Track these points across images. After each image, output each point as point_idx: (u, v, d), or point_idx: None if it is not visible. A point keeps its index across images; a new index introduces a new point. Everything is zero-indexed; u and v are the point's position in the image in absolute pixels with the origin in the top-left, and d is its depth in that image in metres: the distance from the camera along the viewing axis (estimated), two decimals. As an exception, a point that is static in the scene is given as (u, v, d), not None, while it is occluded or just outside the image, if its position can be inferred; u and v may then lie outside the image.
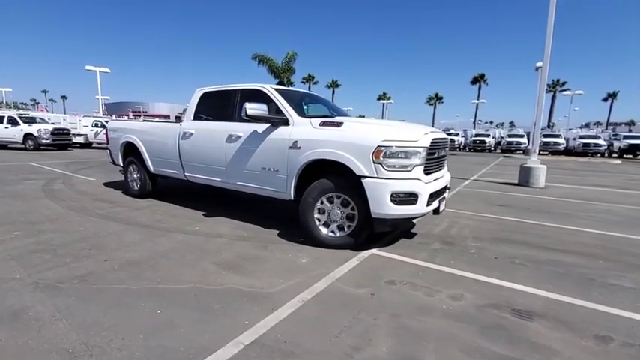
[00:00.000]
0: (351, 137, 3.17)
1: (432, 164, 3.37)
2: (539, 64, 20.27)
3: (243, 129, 3.96)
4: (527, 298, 2.47)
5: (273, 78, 29.43)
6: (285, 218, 4.53)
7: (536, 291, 2.58)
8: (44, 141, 13.99)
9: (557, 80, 49.34)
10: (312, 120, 3.53)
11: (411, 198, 3.06)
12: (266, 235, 3.84)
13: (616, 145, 23.88)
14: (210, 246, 3.42)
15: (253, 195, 4.14)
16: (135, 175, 5.61)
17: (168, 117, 56.09)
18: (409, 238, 3.81)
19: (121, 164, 5.87)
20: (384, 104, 49.24)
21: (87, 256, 3.06)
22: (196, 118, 4.60)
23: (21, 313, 2.11)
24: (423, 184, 3.11)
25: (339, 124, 3.34)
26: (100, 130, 16.07)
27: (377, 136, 3.05)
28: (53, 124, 15.55)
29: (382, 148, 2.99)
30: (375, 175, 3.03)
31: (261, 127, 3.79)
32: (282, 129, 3.63)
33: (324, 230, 3.41)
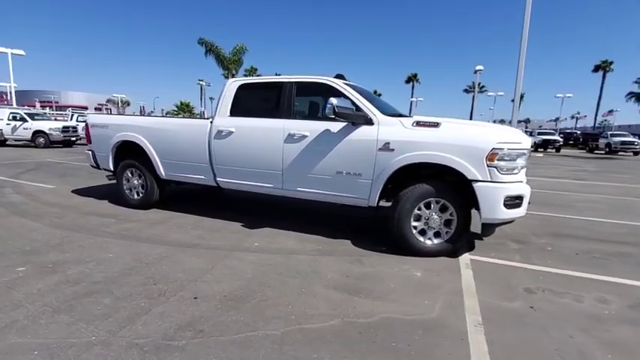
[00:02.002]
0: (459, 139, 2.97)
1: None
2: (478, 67, 22.58)
3: (309, 127, 3.47)
4: (655, 294, 2.59)
5: (221, 69, 27.65)
6: (337, 223, 4.16)
7: (650, 285, 2.73)
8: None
9: (479, 83, 56.00)
10: (403, 119, 3.23)
11: (517, 201, 3.00)
12: (341, 246, 3.45)
13: (531, 139, 27.88)
14: (298, 265, 2.93)
15: (295, 200, 3.70)
16: (135, 182, 4.61)
17: (86, 108, 48.69)
18: (479, 239, 3.78)
19: (111, 168, 4.77)
20: None
21: (162, 294, 2.35)
22: (233, 114, 3.91)
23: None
24: (526, 186, 3.08)
25: (436, 125, 3.11)
26: (19, 123, 13.11)
27: (491, 138, 2.91)
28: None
29: (497, 151, 2.86)
30: (489, 179, 2.89)
31: (335, 126, 3.36)
32: (365, 129, 3.26)
33: (420, 238, 3.17)
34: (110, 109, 54.23)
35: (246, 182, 3.91)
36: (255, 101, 3.93)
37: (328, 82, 3.57)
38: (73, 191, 5.68)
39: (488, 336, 1.97)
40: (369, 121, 3.27)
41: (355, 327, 2.03)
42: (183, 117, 26.63)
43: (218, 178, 4.05)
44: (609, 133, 27.30)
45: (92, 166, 5.07)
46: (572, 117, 78.59)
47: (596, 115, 51.00)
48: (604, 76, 48.97)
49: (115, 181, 5.01)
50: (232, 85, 3.98)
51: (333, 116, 3.09)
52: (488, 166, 2.88)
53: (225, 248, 3.28)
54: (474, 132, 3.02)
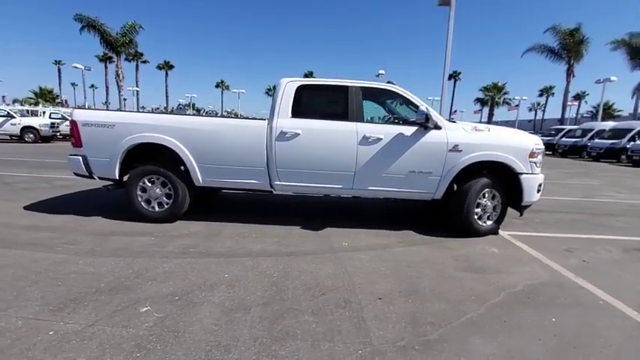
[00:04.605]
0: (510, 141, 3.78)
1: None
2: (381, 71, 25.47)
3: (384, 130, 3.74)
4: (627, 243, 3.95)
5: (108, 50, 23.24)
6: (382, 217, 4.57)
7: (619, 237, 4.12)
8: None
9: (274, 86, 63.17)
10: (462, 124, 3.85)
11: (540, 187, 4.01)
12: (413, 236, 3.87)
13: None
14: (409, 257, 3.23)
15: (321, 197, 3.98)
16: (157, 191, 3.90)
17: None
18: (490, 219, 4.77)
19: (116, 177, 3.90)
20: (222, 91, 48.43)
21: (347, 302, 2.34)
22: (295, 115, 3.80)
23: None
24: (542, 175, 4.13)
25: (488, 130, 3.85)
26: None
27: (530, 140, 3.81)
28: None
29: (534, 150, 3.78)
30: (530, 172, 3.79)
31: (408, 130, 3.73)
32: (435, 132, 3.73)
33: (479, 222, 3.89)
34: None
35: (310, 184, 3.88)
36: (318, 103, 3.92)
37: (397, 90, 3.90)
38: (26, 208, 4.31)
39: (592, 283, 2.78)
40: (437, 127, 3.76)
41: (519, 295, 2.55)
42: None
43: (276, 182, 3.87)
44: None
45: (78, 175, 4.00)
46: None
47: (449, 114, 64.17)
48: (455, 84, 61.66)
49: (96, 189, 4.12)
50: (290, 85, 3.85)
51: (422, 121, 3.48)
52: (530, 162, 3.78)
53: (325, 251, 3.29)
54: (516, 135, 3.90)
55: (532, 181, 3.82)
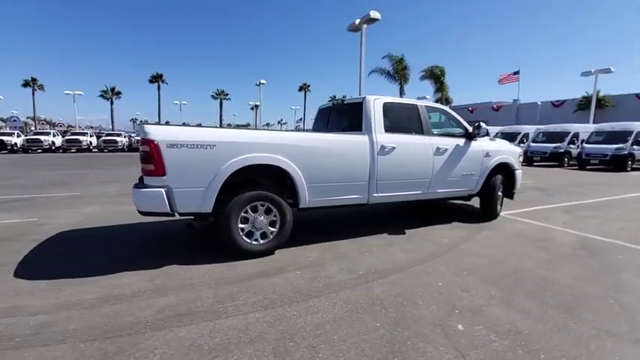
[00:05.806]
0: (509, 147, 5.28)
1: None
2: (262, 81, 25.78)
3: (448, 142, 4.52)
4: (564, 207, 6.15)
5: None
6: (409, 216, 5.35)
7: (557, 205, 6.34)
8: None
9: (222, 91, 61.03)
10: (485, 136, 5.08)
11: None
12: (464, 228, 4.79)
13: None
14: (496, 241, 4.14)
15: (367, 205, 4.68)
16: (263, 220, 3.34)
17: None
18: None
19: (209, 209, 3.10)
20: (112, 100, 39.22)
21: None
22: (387, 130, 4.06)
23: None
24: (517, 170, 5.87)
25: (495, 139, 5.24)
26: None
27: (517, 148, 5.43)
28: None
29: (520, 153, 5.44)
30: (519, 168, 5.42)
31: (461, 141, 4.66)
32: (474, 142, 4.80)
33: (499, 207, 5.22)
34: None
35: (399, 193, 4.24)
36: (399, 119, 4.26)
37: (445, 109, 4.74)
38: (26, 277, 2.74)
39: (601, 236, 4.45)
40: (475, 138, 4.85)
41: (578, 250, 3.85)
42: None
43: (374, 194, 4.02)
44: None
45: (149, 214, 2.92)
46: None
47: (296, 123, 70.82)
48: (305, 95, 68.28)
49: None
50: (377, 102, 4.08)
51: (482, 135, 4.46)
52: (519, 162, 5.41)
53: (448, 248, 3.79)
54: (509, 144, 5.47)
55: (520, 174, 5.47)
